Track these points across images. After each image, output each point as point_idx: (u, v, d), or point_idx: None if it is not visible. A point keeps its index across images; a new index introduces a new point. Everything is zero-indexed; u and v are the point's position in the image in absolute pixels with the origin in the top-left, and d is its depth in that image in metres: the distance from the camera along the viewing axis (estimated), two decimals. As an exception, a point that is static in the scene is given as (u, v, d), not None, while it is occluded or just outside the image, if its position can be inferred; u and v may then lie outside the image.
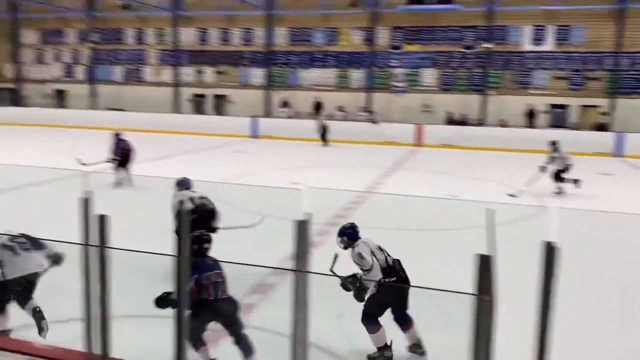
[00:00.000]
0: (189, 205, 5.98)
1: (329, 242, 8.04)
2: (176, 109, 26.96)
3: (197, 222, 4.84)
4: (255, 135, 23.29)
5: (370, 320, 4.37)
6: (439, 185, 13.22)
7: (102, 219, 2.91)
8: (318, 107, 25.06)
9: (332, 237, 8.31)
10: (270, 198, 10.55)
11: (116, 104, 27.98)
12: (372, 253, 4.45)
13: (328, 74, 25.55)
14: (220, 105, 27.19)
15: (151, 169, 13.60)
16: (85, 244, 2.99)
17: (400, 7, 23.43)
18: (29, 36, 30.03)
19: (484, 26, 23.32)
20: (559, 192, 11.80)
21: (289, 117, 24.78)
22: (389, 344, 4.39)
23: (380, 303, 4.41)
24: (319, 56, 25.56)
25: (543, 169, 11.77)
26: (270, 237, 6.63)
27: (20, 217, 8.24)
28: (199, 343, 3.99)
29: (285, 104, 25.57)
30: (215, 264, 4.14)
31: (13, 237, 4.47)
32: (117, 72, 28.76)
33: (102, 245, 2.95)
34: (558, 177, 11.81)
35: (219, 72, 27.10)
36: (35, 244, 4.48)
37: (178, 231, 2.97)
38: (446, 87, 24.29)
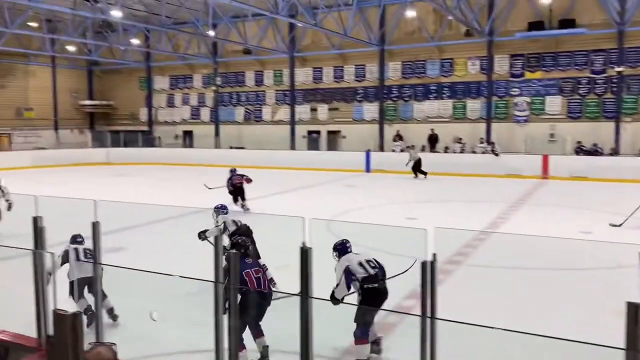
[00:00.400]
0: (232, 227, 7.15)
1: (451, 281, 7.48)
2: (292, 145, 27.73)
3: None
4: (368, 169, 23.16)
5: (362, 331, 4.84)
6: (569, 222, 12.01)
7: (232, 256, 2.94)
8: (433, 139, 24.40)
9: (453, 277, 7.78)
10: (389, 235, 10.17)
11: (237, 142, 29.48)
12: (349, 269, 5.00)
13: (443, 106, 24.89)
14: (334, 140, 27.54)
15: (268, 203, 13.86)
16: (215, 281, 3.05)
17: (518, 34, 22.33)
18: (160, 82, 32.88)
19: (614, 49, 21.44)
20: None
21: (403, 151, 24.35)
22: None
23: (365, 311, 4.84)
24: (433, 88, 25.05)
25: None
26: (390, 275, 6.29)
27: (156, 251, 8.64)
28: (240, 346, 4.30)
29: (398, 138, 25.23)
30: (255, 263, 5.19)
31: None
32: (238, 112, 30.38)
33: (231, 283, 2.94)
34: None
35: (332, 109, 27.56)
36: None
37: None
38: (574, 114, 22.51)
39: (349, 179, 20.73)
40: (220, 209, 7.95)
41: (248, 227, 7.11)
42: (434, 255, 2.64)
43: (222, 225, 7.25)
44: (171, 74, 32.33)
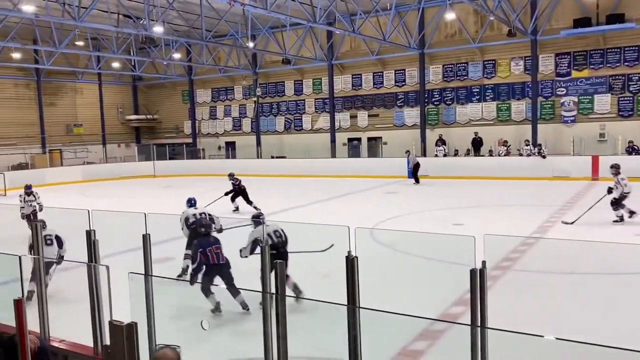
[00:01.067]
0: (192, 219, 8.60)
1: (497, 288, 7.27)
2: (332, 153, 27.74)
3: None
4: (410, 175, 22.86)
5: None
6: (622, 225, 11.49)
7: (279, 265, 2.94)
8: (477, 142, 23.94)
9: (500, 283, 7.56)
10: (436, 243, 10.01)
11: (278, 151, 29.74)
12: (257, 240, 6.77)
13: (486, 108, 24.39)
14: (375, 147, 27.40)
15: (310, 212, 13.86)
16: (263, 292, 3.06)
17: (564, 31, 21.68)
18: (203, 95, 33.55)
19: (668, 42, 20.54)
20: None
21: (446, 155, 24.00)
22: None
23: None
24: (475, 90, 24.59)
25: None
26: (437, 283, 6.20)
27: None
28: (208, 292, 6.31)
29: (441, 142, 24.86)
30: (215, 241, 6.74)
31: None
32: (279, 122, 30.65)
33: (278, 293, 2.95)
34: None
35: (372, 115, 27.44)
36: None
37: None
38: (624, 113, 21.65)
39: (391, 185, 20.54)
40: (189, 201, 9.44)
41: (210, 218, 8.46)
42: (483, 262, 2.57)
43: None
44: (213, 86, 32.94)
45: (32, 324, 3.46)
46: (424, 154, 25.06)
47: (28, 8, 18.10)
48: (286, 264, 6.40)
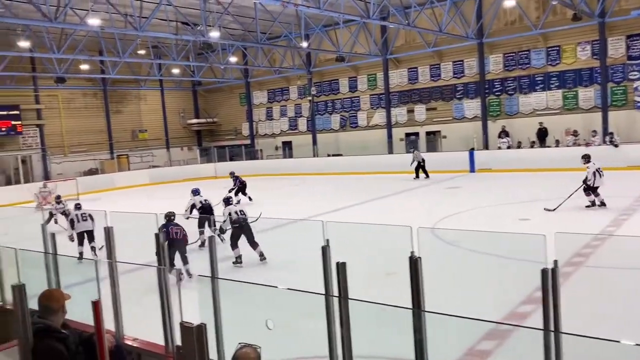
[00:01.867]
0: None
1: (569, 285, 6.94)
2: (390, 149, 27.47)
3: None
4: (472, 169, 22.31)
5: (232, 244, 9.75)
6: None
7: (341, 266, 2.92)
8: (542, 133, 23.00)
9: (570, 280, 7.20)
10: (504, 240, 9.71)
11: (335, 149, 29.75)
12: (230, 214, 10.04)
13: (552, 97, 23.38)
14: (434, 141, 26.89)
15: (369, 209, 13.76)
16: (326, 294, 3.05)
17: (635, 11, 20.39)
18: (259, 97, 34.07)
19: None
20: None
21: (509, 147, 23.21)
22: (239, 257, 9.66)
23: (234, 235, 9.80)
24: (539, 78, 23.60)
25: None
26: (504, 281, 6.00)
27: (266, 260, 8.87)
28: (172, 264, 8.18)
29: (504, 134, 24.06)
30: (176, 225, 9.25)
31: None
32: (334, 120, 30.67)
33: (342, 295, 2.94)
34: None
35: (430, 109, 26.95)
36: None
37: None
38: None
39: (452, 180, 20.09)
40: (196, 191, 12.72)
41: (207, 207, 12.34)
42: (555, 262, 2.43)
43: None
44: (268, 87, 33.39)
45: (107, 322, 3.59)
46: (486, 147, 24.36)
47: (94, 21, 18.98)
48: (251, 234, 9.75)
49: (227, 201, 10.92)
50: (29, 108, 28.50)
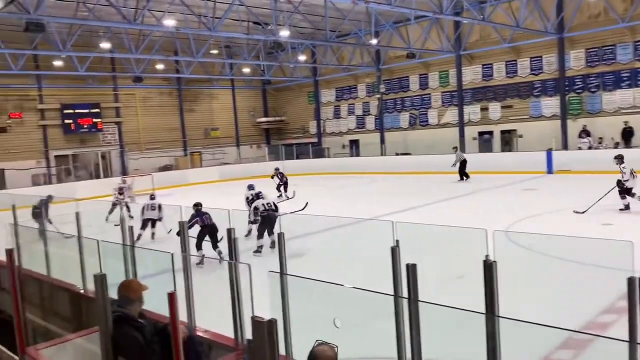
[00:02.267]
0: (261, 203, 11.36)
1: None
2: (462, 148, 26.69)
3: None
4: (550, 170, 21.25)
5: (259, 234, 10.55)
6: None
7: (412, 268, 2.80)
8: (627, 133, 21.56)
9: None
10: (585, 246, 9.12)
11: (403, 148, 29.31)
12: (256, 207, 10.98)
13: (638, 94, 21.85)
14: (509, 140, 25.89)
15: (437, 211, 13.40)
16: (395, 295, 2.93)
17: None
18: (327, 95, 34.16)
19: None
20: None
21: (590, 148, 21.93)
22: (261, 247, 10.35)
23: (260, 225, 10.63)
24: (625, 75, 22.13)
25: None
26: (583, 288, 5.61)
27: (332, 258, 8.83)
28: (199, 248, 9.68)
29: (585, 134, 22.76)
30: (205, 213, 9.95)
31: None
32: (403, 118, 30.22)
33: (412, 297, 2.81)
34: None
35: (505, 107, 25.96)
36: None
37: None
38: None
39: (528, 181, 19.23)
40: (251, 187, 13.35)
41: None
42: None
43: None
44: (336, 86, 33.41)
45: (180, 313, 3.63)
46: (565, 147, 23.15)
47: (169, 22, 19.70)
48: (273, 225, 10.50)
49: (257, 195, 11.89)
50: (109, 106, 30.08)
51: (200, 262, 9.13)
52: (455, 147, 22.20)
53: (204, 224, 9.81)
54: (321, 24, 25.23)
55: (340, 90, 33.33)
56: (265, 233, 10.51)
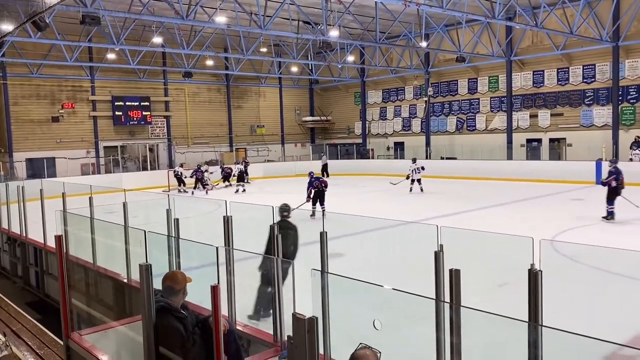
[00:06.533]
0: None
1: None
2: (509, 155, 26.13)
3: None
4: (599, 181, 20.50)
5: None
6: None
7: (455, 273, 2.82)
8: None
9: None
10: (628, 259, 8.84)
11: (449, 152, 28.91)
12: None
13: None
14: (557, 149, 25.15)
15: (482, 218, 13.20)
16: (436, 299, 2.99)
17: None
18: (374, 96, 34.03)
19: None
20: None
21: (644, 160, 21.08)
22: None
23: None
24: (686, 84, 21.19)
25: None
26: (630, 302, 5.45)
27: (371, 259, 8.88)
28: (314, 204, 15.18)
29: (637, 145, 21.88)
30: (318, 179, 15.65)
31: None
32: (450, 122, 29.79)
33: (455, 302, 2.83)
34: None
35: (555, 114, 25.24)
36: None
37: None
38: None
39: (575, 191, 18.67)
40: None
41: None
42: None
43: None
44: (383, 87, 33.24)
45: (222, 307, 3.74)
46: (616, 157, 22.28)
47: (221, 19, 20.06)
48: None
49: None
50: (158, 100, 30.90)
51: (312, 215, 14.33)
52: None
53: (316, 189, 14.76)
54: (371, 25, 25.17)
55: (387, 91, 33.14)
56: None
